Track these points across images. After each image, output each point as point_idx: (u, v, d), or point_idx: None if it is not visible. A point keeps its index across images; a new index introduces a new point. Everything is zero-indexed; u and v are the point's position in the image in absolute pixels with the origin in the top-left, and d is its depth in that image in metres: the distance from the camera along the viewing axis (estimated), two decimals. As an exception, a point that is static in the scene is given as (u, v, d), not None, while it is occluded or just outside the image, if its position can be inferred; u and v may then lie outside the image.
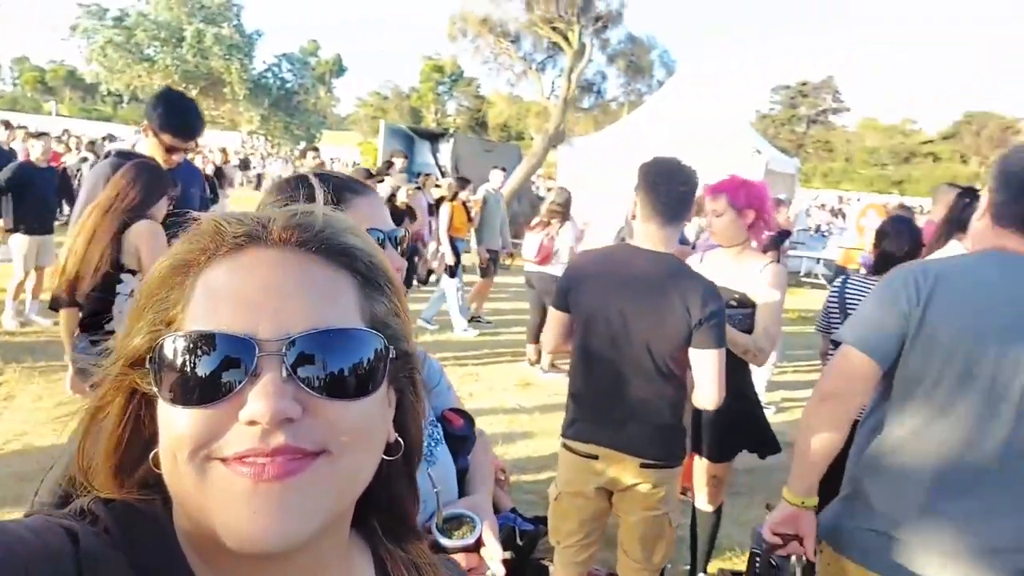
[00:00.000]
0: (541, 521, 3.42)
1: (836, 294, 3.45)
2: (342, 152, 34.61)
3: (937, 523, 1.62)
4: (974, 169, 61.64)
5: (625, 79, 18.53)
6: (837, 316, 3.36)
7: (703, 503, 3.14)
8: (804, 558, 1.83)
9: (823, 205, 25.07)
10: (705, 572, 3.23)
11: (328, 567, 0.58)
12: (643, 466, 2.27)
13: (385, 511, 0.66)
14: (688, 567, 3.30)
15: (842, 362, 1.72)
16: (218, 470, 0.49)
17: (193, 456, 0.50)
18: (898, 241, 3.23)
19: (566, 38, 16.20)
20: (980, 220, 1.77)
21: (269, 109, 24.85)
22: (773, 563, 1.87)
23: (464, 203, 7.86)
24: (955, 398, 1.62)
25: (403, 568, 0.67)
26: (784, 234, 6.26)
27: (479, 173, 14.84)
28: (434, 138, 18.81)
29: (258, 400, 0.49)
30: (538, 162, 15.16)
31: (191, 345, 0.51)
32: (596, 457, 2.33)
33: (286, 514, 0.49)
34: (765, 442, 3.07)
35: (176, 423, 0.50)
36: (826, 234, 16.14)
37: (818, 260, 14.34)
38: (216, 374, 0.50)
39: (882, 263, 3.21)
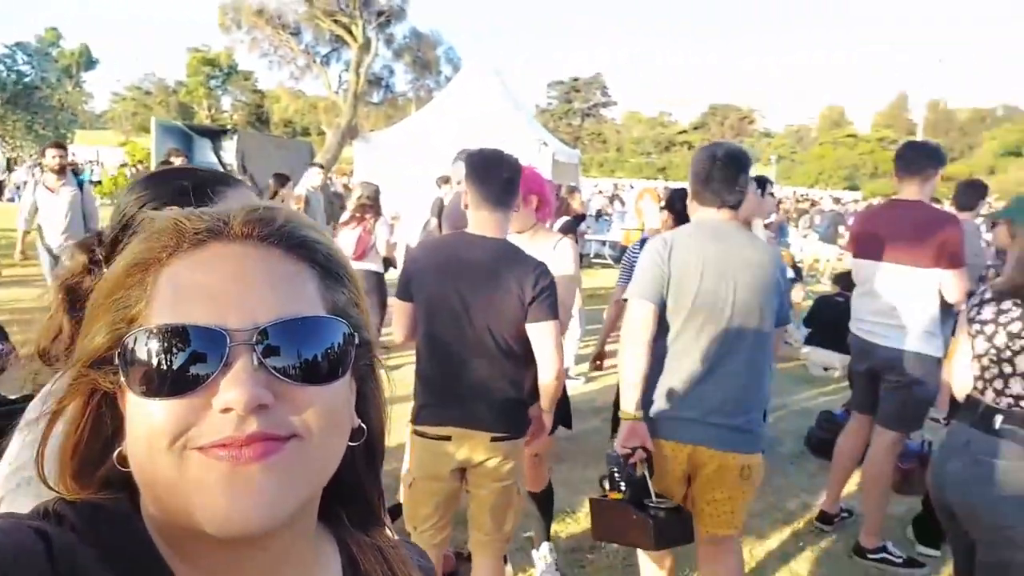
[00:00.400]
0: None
1: (638, 253, 4.03)
2: (102, 153, 30.88)
3: (686, 400, 2.49)
4: (721, 155, 70.08)
5: (413, 75, 18.58)
6: None
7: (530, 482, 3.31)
8: (645, 462, 2.48)
9: (601, 192, 27.11)
10: (548, 539, 3.44)
11: (297, 551, 0.60)
12: (493, 440, 2.40)
13: (349, 497, 0.68)
14: (526, 534, 3.50)
15: (634, 310, 2.51)
16: (195, 459, 0.51)
17: (170, 447, 0.51)
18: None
19: (350, 32, 15.87)
20: (690, 202, 2.64)
21: (5, 107, 21.41)
22: (628, 472, 2.46)
23: (284, 202, 7.46)
24: (692, 319, 2.47)
25: (368, 552, 0.69)
26: (580, 218, 6.78)
27: (268, 171, 14.08)
28: (215, 135, 17.45)
29: (232, 388, 0.50)
30: (333, 157, 14.77)
31: (162, 339, 0.52)
32: (448, 438, 2.41)
33: (265, 495, 0.51)
34: (569, 411, 3.36)
35: (151, 415, 0.51)
36: (607, 218, 17.53)
37: (604, 242, 15.58)
38: (189, 365, 0.51)
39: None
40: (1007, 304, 2.18)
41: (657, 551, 2.57)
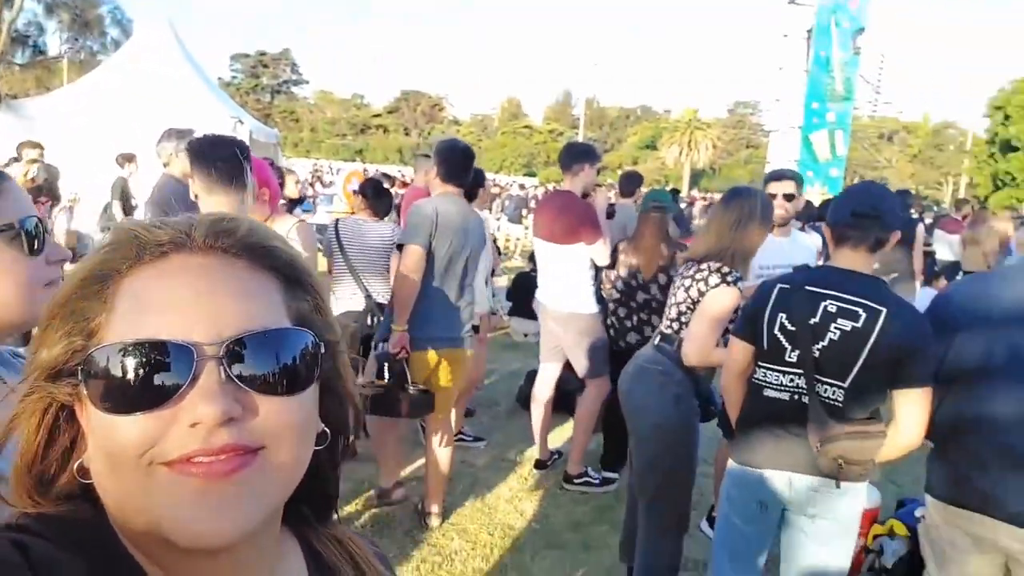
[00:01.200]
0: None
1: (333, 232, 4.37)
2: None
3: (446, 320, 3.59)
4: (414, 140, 72.29)
5: (71, 34, 15.85)
6: (336, 246, 4.36)
7: None
8: (405, 360, 3.48)
9: (299, 180, 26.20)
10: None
11: (263, 551, 0.61)
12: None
13: (309, 495, 0.67)
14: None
15: (410, 253, 3.42)
16: (163, 474, 0.51)
17: (136, 461, 0.50)
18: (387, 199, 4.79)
19: (-20, -25, 13.04)
20: (434, 179, 3.66)
21: None
22: (393, 366, 3.46)
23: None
24: (448, 262, 3.49)
25: (329, 544, 0.71)
26: (296, 202, 6.64)
27: None
28: None
29: (201, 402, 0.50)
30: (-36, 128, 12.02)
31: (128, 354, 0.51)
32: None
33: (237, 508, 0.52)
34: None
35: (116, 431, 0.51)
36: (314, 201, 17.10)
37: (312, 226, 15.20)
38: (156, 380, 0.51)
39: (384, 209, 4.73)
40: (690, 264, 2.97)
41: (410, 419, 3.63)
